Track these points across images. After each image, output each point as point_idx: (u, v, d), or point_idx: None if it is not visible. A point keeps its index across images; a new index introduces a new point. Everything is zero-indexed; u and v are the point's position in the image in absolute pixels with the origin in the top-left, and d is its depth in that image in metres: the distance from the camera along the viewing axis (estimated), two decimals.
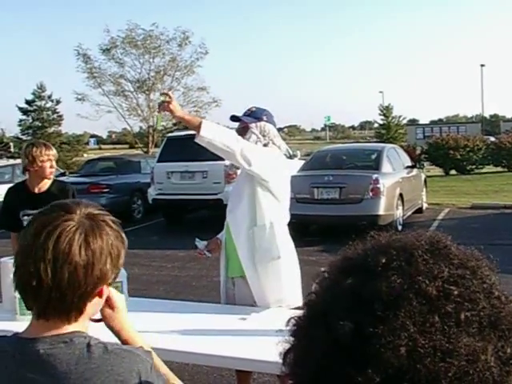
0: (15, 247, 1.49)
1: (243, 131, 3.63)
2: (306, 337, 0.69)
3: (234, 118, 3.79)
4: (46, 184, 4.44)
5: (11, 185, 5.02)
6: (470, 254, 0.73)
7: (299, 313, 0.73)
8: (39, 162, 4.32)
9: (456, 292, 0.65)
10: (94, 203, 1.41)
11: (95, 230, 1.31)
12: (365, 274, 0.69)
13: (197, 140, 3.37)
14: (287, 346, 0.72)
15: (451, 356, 0.61)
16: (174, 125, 21.72)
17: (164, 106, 3.35)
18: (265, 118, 3.68)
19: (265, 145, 3.62)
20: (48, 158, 4.33)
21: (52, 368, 1.28)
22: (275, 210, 3.64)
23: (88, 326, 1.40)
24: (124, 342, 1.54)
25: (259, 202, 3.58)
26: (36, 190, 4.39)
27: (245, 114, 3.72)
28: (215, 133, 3.37)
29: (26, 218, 4.32)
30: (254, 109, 3.74)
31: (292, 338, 0.72)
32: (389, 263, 0.69)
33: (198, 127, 3.33)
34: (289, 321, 0.74)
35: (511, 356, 0.63)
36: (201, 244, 3.92)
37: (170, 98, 3.35)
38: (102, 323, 1.54)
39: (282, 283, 3.61)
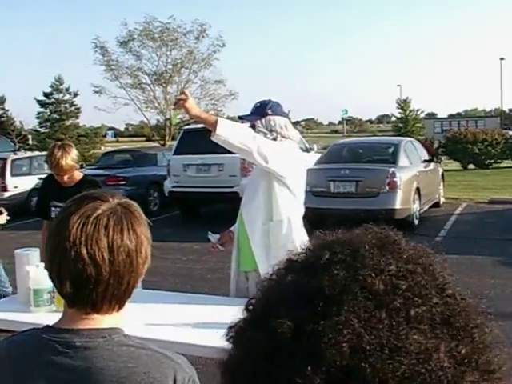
0: (46, 235, 1.47)
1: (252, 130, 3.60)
2: (246, 341, 0.64)
3: (240, 118, 3.77)
4: (75, 177, 4.52)
5: (29, 177, 5.17)
6: (421, 250, 0.70)
7: (239, 319, 0.68)
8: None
9: (405, 286, 0.61)
10: (118, 194, 1.42)
11: (132, 215, 1.34)
12: (307, 270, 0.65)
13: (213, 138, 3.33)
14: (226, 356, 0.67)
15: (400, 354, 0.57)
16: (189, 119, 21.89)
17: (180, 103, 3.33)
18: (269, 111, 3.62)
19: (273, 139, 3.58)
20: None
21: (88, 361, 1.27)
22: (292, 205, 3.61)
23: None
24: None
25: (275, 197, 3.55)
26: (64, 183, 4.45)
27: (251, 112, 3.69)
28: (231, 131, 3.33)
29: (53, 209, 4.49)
30: (258, 104, 3.70)
31: (232, 346, 0.67)
32: (332, 258, 0.65)
33: (213, 125, 3.29)
34: (229, 329, 0.68)
35: (466, 355, 0.59)
36: (213, 237, 3.90)
37: (186, 95, 3.32)
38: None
39: None
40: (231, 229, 3.90)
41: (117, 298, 1.31)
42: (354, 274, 0.62)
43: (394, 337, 0.58)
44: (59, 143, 4.59)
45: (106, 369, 1.26)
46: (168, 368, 1.30)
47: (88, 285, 1.27)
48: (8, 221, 5.00)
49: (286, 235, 3.56)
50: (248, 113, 3.70)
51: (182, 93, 3.38)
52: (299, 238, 3.62)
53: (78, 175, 4.59)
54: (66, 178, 4.42)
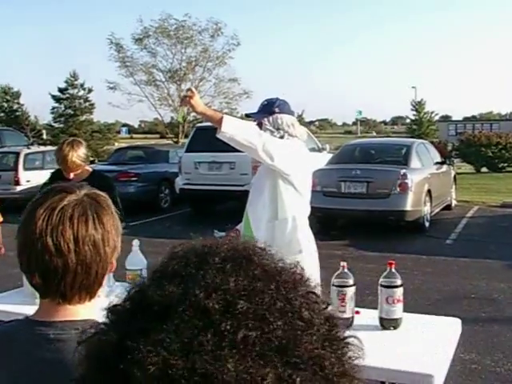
0: None
1: (258, 128, 3.60)
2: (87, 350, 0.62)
3: (247, 116, 3.77)
4: (82, 174, 4.49)
5: (42, 171, 5.20)
6: (283, 268, 0.64)
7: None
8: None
9: (242, 307, 0.56)
10: (86, 185, 1.43)
11: (99, 206, 1.35)
12: (151, 281, 0.62)
13: (218, 135, 3.34)
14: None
15: (212, 381, 0.52)
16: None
17: (186, 100, 3.33)
18: (277, 109, 3.61)
19: (280, 137, 3.57)
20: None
21: (61, 353, 1.28)
22: (297, 204, 3.60)
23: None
24: None
25: (281, 196, 3.54)
26: (71, 178, 4.44)
27: (258, 110, 3.69)
28: (237, 128, 3.33)
29: None
30: (265, 102, 3.69)
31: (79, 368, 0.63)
32: (178, 270, 0.61)
33: (219, 122, 3.29)
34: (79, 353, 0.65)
35: None
36: (219, 235, 3.90)
37: (192, 92, 3.33)
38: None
39: None
40: (237, 227, 3.90)
41: (86, 288, 1.33)
42: (186, 289, 0.58)
43: (210, 362, 0.53)
44: (70, 139, 4.59)
45: None
46: None
47: (56, 275, 1.29)
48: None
49: (290, 234, 3.56)
50: (255, 111, 3.70)
51: (189, 89, 3.38)
52: (304, 237, 3.62)
53: (87, 171, 4.54)
54: (72, 174, 4.40)
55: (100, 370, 0.57)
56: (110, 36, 29.87)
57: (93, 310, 1.38)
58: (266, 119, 3.59)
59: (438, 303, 6.52)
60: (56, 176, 4.69)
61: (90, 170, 4.65)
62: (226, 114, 3.63)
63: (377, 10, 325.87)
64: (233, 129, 3.30)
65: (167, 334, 0.55)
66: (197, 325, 0.55)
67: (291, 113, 3.70)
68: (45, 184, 4.59)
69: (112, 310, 0.63)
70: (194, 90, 3.39)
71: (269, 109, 3.63)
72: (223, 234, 3.89)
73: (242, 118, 3.77)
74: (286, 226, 3.56)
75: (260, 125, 3.58)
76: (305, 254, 3.58)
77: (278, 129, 3.58)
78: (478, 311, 6.18)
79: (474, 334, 5.37)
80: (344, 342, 0.60)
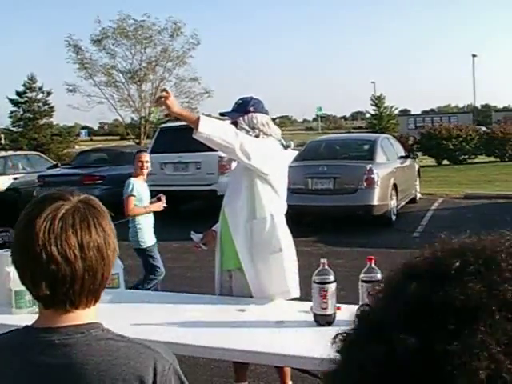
0: None
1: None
2: (358, 354, 0.56)
3: (222, 114, 3.76)
4: None
5: (3, 177, 5.05)
6: None
7: (348, 327, 0.60)
8: None
9: None
10: (76, 191, 1.43)
11: (96, 210, 1.36)
12: (434, 279, 0.56)
13: (195, 136, 3.32)
14: (332, 366, 0.59)
15: None
16: (166, 116, 21.60)
17: (161, 101, 3.30)
18: (252, 108, 3.62)
19: (256, 136, 3.58)
20: None
21: (67, 358, 1.28)
22: (274, 203, 3.61)
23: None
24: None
25: (258, 195, 3.55)
26: None
27: (232, 109, 3.68)
28: (213, 128, 3.32)
29: None
30: (240, 101, 3.70)
31: (339, 357, 0.59)
32: (464, 267, 0.56)
33: (195, 123, 3.28)
34: (335, 337, 0.61)
35: None
36: (196, 237, 3.88)
37: (167, 93, 3.30)
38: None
39: (286, 275, 3.60)
40: (214, 228, 3.88)
41: (93, 292, 1.34)
42: (490, 287, 0.53)
43: None
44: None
45: (86, 364, 1.27)
46: (147, 358, 1.31)
47: (65, 284, 1.28)
48: None
49: (269, 232, 3.56)
50: (229, 109, 3.69)
51: (164, 90, 3.36)
52: (283, 235, 3.63)
53: None
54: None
55: (392, 378, 0.53)
56: (68, 38, 29.54)
57: (95, 312, 1.38)
58: (241, 118, 3.59)
59: None
60: None
61: None
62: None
63: (332, 3, 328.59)
64: (210, 129, 3.29)
65: (483, 337, 0.51)
66: (508, 327, 0.51)
67: (265, 112, 3.71)
68: (11, 190, 4.50)
69: (396, 312, 0.56)
70: (168, 90, 3.36)
71: (244, 108, 3.63)
72: (200, 235, 3.88)
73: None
74: (264, 224, 3.57)
75: (235, 124, 3.57)
76: (285, 252, 3.59)
77: (253, 128, 3.58)
78: None
79: None
80: None
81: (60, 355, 1.28)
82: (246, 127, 3.57)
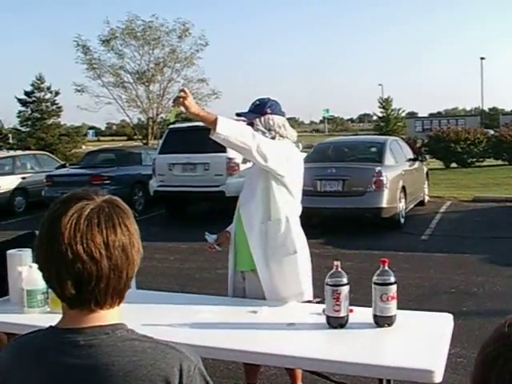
0: None
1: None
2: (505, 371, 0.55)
3: (238, 115, 3.75)
4: None
5: (12, 176, 5.03)
6: None
7: (494, 341, 0.59)
8: None
9: None
10: (100, 190, 1.43)
11: (120, 210, 1.36)
12: None
13: (212, 136, 3.30)
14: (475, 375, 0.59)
15: None
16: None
17: (179, 101, 3.28)
18: (268, 110, 3.62)
19: (272, 138, 3.57)
20: None
21: (93, 359, 1.28)
22: (290, 205, 3.61)
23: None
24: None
25: (274, 197, 3.54)
26: None
27: (249, 109, 3.68)
28: (231, 129, 3.29)
29: None
30: (257, 102, 3.69)
31: (483, 366, 0.58)
32: None
33: (213, 123, 3.25)
34: (483, 350, 0.60)
35: None
36: (210, 238, 3.86)
37: (185, 93, 3.28)
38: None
39: (300, 278, 3.59)
40: (227, 229, 3.88)
41: (118, 293, 1.33)
42: None
43: None
44: None
45: (112, 365, 1.26)
46: (173, 358, 1.31)
47: (90, 282, 1.28)
48: None
49: (284, 234, 3.56)
50: (246, 110, 3.68)
51: (182, 90, 3.33)
52: (297, 237, 3.62)
53: None
54: None
55: None
56: (77, 38, 29.59)
57: (119, 313, 1.38)
58: (257, 120, 3.59)
59: (419, 299, 6.57)
60: None
61: None
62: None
63: (340, 4, 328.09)
64: (227, 130, 3.27)
65: None
66: None
67: (282, 113, 3.70)
68: (19, 189, 4.49)
69: None
70: (186, 90, 3.34)
71: (261, 109, 3.62)
72: (214, 236, 3.86)
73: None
74: (279, 226, 3.56)
75: (251, 125, 3.57)
76: (299, 254, 3.59)
77: (269, 129, 3.58)
78: (458, 305, 6.23)
79: (457, 328, 5.40)
80: None
81: (85, 356, 1.27)
82: (262, 128, 3.57)
